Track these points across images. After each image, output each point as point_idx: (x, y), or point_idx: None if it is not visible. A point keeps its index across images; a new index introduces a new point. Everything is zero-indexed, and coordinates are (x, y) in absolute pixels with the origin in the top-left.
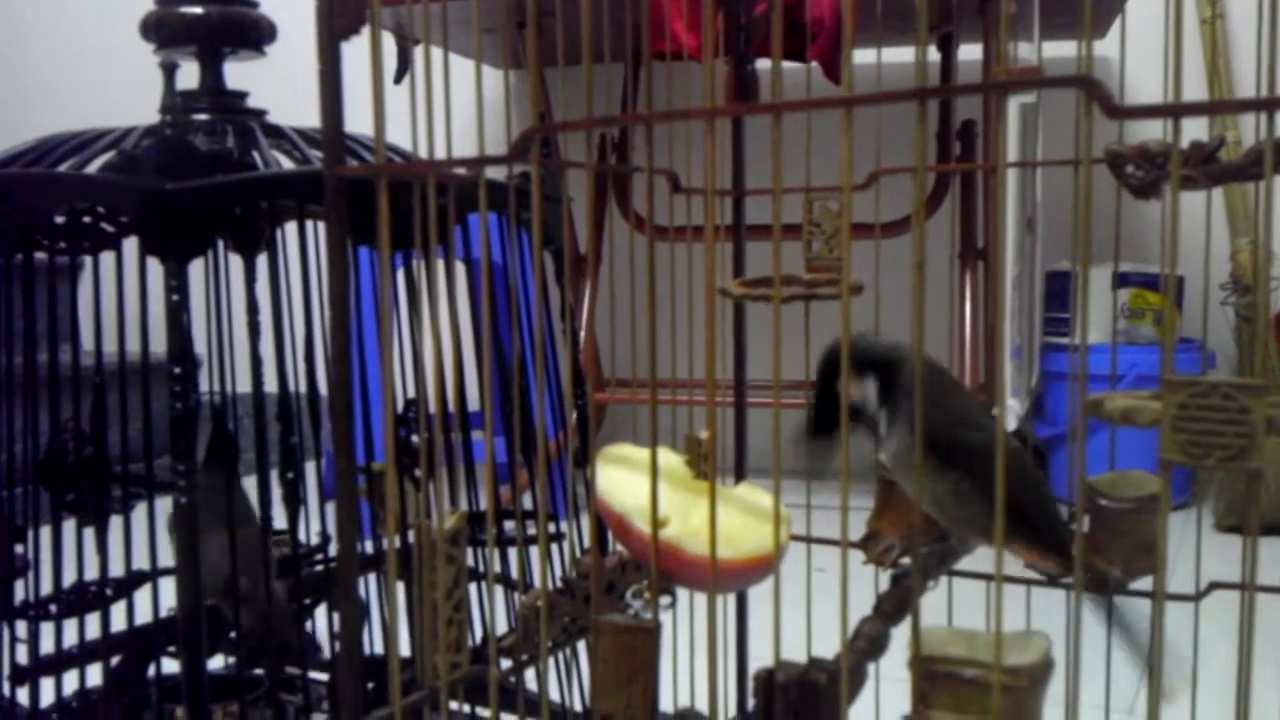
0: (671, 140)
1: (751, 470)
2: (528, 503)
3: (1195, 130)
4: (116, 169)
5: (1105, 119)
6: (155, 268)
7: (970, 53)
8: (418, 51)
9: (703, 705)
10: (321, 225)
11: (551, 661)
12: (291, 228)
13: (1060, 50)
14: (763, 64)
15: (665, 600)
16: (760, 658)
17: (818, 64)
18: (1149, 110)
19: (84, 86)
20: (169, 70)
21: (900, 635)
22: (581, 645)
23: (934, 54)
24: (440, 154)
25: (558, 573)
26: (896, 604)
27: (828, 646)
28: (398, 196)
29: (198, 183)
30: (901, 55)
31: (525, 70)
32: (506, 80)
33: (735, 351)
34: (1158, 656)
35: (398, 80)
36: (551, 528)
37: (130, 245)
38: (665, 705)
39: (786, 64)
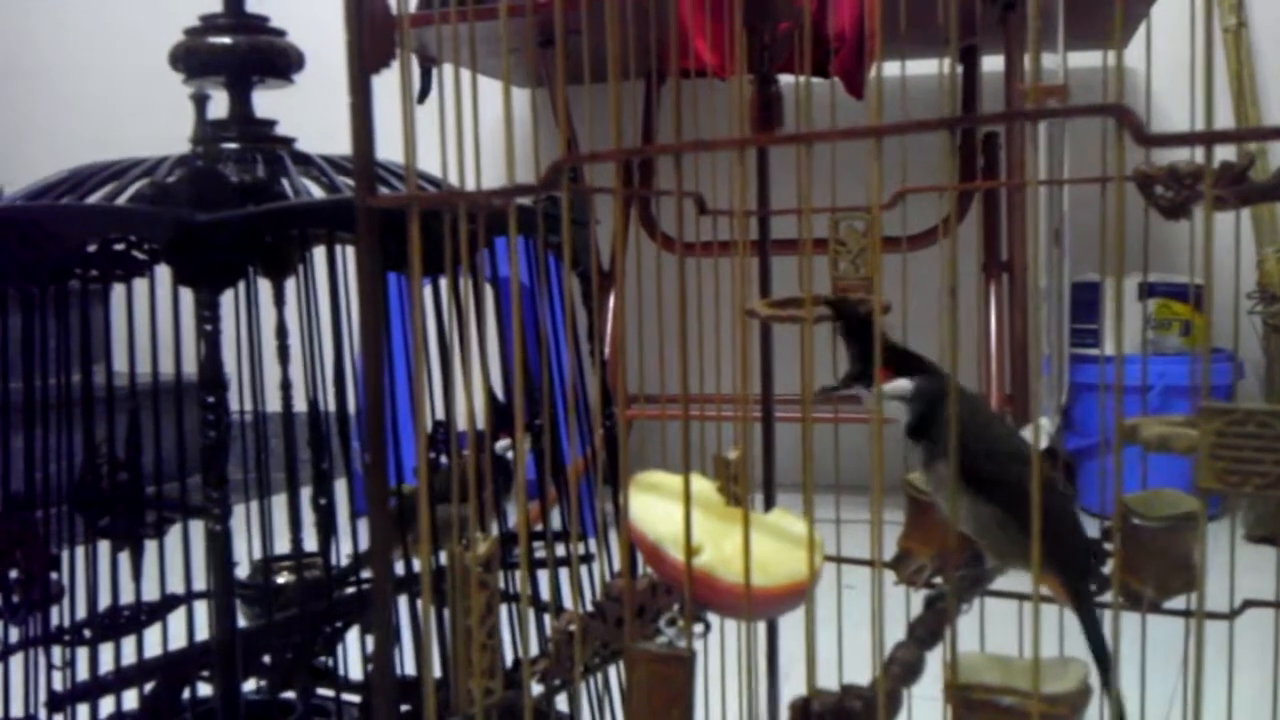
0: (697, 159)
1: (780, 485)
2: (556, 523)
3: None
4: (149, 200)
5: (1129, 141)
6: (185, 291)
7: (992, 63)
8: (444, 73)
9: None
10: (349, 249)
11: (584, 686)
12: (320, 250)
13: (1083, 60)
14: (785, 79)
15: (699, 628)
16: (791, 679)
17: (839, 79)
18: (1180, 138)
19: (93, 109)
20: (200, 101)
21: (934, 658)
22: (613, 669)
23: (957, 67)
24: (469, 177)
25: (588, 596)
26: (930, 628)
27: (859, 666)
28: (427, 221)
29: (230, 214)
30: (925, 68)
31: (548, 88)
32: (534, 99)
33: (762, 369)
34: (1198, 676)
35: (420, 100)
36: (580, 548)
37: (161, 270)
38: None
39: (813, 80)
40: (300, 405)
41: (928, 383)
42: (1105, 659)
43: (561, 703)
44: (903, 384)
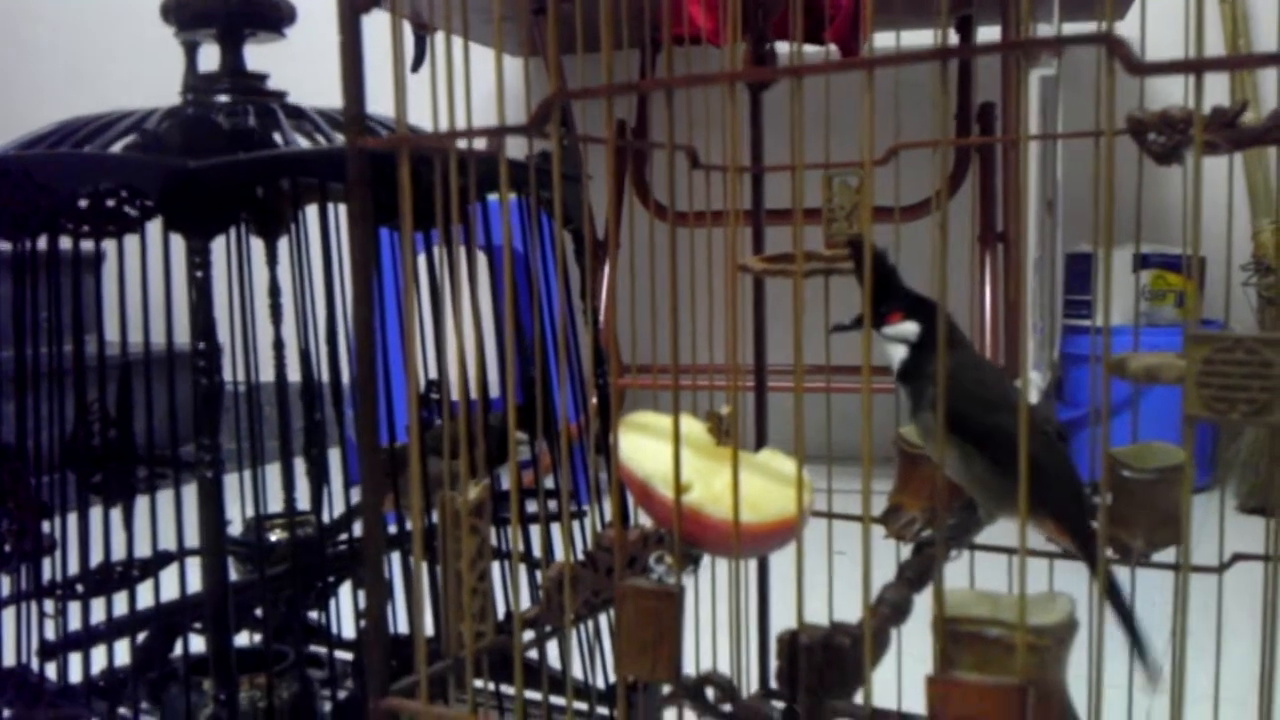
0: (691, 120)
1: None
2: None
3: (1215, 98)
4: (140, 149)
5: (1126, 90)
6: (177, 254)
7: (987, 35)
8: (437, 40)
9: (725, 670)
10: (342, 207)
11: (574, 635)
12: (311, 211)
13: (1079, 30)
14: (780, 46)
15: (688, 566)
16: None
17: (835, 46)
18: (1171, 66)
19: (88, 71)
20: (190, 49)
21: (923, 602)
22: (604, 620)
23: (952, 37)
24: (460, 125)
25: (579, 548)
26: (919, 570)
27: (849, 619)
28: (417, 173)
29: (222, 160)
30: (920, 39)
31: (540, 58)
32: (526, 67)
33: (755, 332)
34: (1181, 629)
35: (415, 69)
36: (572, 507)
37: (153, 230)
38: (687, 671)
39: (805, 45)
40: (293, 365)
41: (932, 328)
42: (1125, 610)
43: (552, 654)
44: (909, 327)
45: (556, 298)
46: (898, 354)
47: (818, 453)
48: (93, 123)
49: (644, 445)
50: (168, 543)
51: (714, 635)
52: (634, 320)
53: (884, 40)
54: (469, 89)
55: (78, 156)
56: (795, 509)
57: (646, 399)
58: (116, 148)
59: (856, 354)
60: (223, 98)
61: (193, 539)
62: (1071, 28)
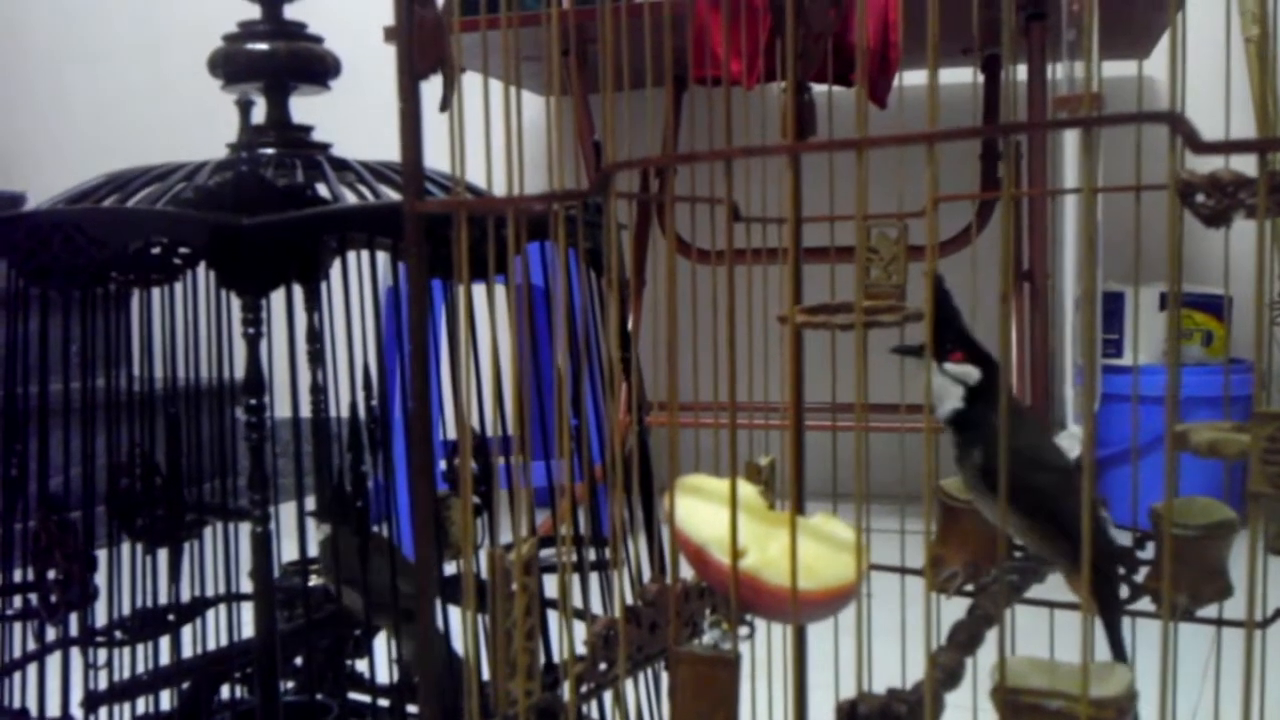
0: (729, 167)
1: (810, 493)
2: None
3: (1238, 131)
4: (192, 204)
5: (1162, 149)
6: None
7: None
8: (478, 83)
9: None
10: (366, 254)
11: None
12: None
13: (1108, 70)
14: (817, 88)
15: (744, 631)
16: (818, 684)
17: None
18: (1235, 146)
19: (127, 115)
20: (244, 107)
21: (972, 662)
22: (641, 675)
23: (978, 74)
24: (498, 183)
25: (617, 600)
26: (971, 634)
27: (882, 673)
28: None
29: (277, 218)
30: (951, 76)
31: (567, 97)
32: (579, 109)
33: (793, 382)
34: (1247, 684)
35: (442, 109)
36: (609, 553)
37: (196, 274)
38: None
39: (836, 89)
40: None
41: (991, 379)
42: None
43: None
44: (971, 370)
45: (594, 338)
46: (952, 395)
47: (851, 490)
48: (142, 175)
49: (699, 510)
50: (208, 585)
51: (753, 694)
52: (675, 359)
53: (912, 79)
54: (521, 135)
55: (130, 212)
56: (852, 575)
57: (684, 436)
58: (165, 201)
59: (893, 392)
60: (269, 150)
61: (232, 581)
62: (1109, 66)
